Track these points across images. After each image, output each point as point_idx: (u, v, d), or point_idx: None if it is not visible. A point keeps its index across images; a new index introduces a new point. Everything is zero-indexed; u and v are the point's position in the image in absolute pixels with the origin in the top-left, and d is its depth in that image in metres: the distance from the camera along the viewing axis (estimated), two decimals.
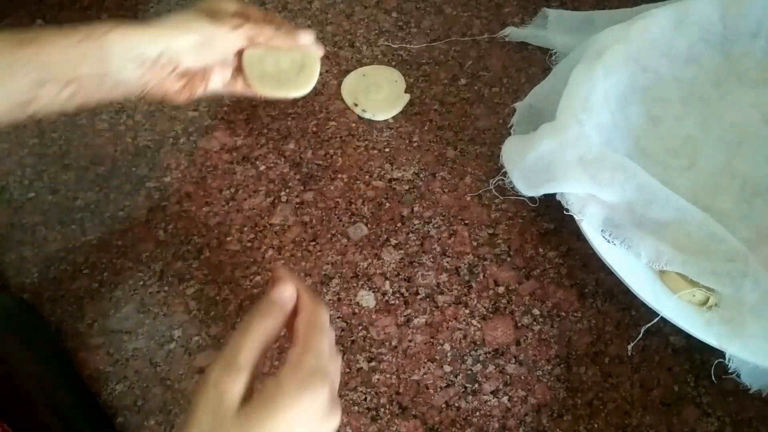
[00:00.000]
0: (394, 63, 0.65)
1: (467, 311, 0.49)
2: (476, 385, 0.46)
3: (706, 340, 0.43)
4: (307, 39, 0.47)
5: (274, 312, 0.33)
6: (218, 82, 0.47)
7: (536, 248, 0.52)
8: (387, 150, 0.59)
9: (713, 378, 0.44)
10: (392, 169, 0.57)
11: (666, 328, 0.45)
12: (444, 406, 0.45)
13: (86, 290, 0.51)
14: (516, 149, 0.52)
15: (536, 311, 0.49)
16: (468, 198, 0.55)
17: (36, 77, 0.36)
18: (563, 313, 0.49)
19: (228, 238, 0.54)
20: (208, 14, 0.43)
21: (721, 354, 0.43)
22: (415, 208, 0.55)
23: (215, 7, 0.44)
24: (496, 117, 0.61)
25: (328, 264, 0.52)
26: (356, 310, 0.49)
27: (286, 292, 0.34)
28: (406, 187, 0.56)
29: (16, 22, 0.71)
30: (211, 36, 0.43)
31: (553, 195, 0.50)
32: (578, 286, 0.50)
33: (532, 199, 0.52)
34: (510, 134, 0.58)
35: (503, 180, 0.54)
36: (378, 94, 0.62)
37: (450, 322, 0.49)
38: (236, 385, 0.29)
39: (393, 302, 0.50)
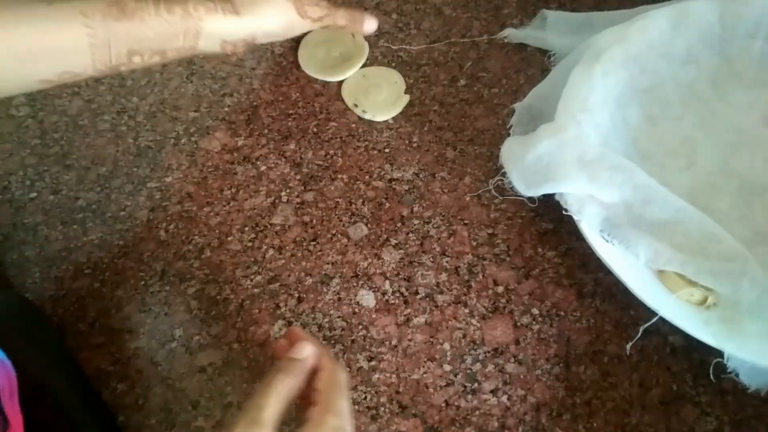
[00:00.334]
0: (394, 64, 0.65)
1: (467, 311, 0.49)
2: (476, 384, 0.46)
3: (704, 340, 0.43)
4: (371, 27, 0.49)
5: (296, 370, 0.34)
6: None
7: (535, 248, 0.52)
8: (387, 150, 0.59)
9: (712, 377, 0.45)
10: (392, 170, 0.58)
11: (664, 327, 0.45)
12: (444, 405, 0.45)
13: (88, 290, 0.51)
14: (515, 149, 0.52)
15: (535, 311, 0.49)
16: (467, 198, 0.55)
17: (130, 48, 0.39)
18: (562, 313, 0.49)
19: (229, 238, 0.54)
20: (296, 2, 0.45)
21: (719, 353, 0.43)
22: (415, 208, 0.55)
23: None
24: (496, 118, 0.61)
25: (328, 264, 0.52)
26: (356, 310, 0.50)
27: (307, 350, 0.35)
28: (406, 188, 0.56)
29: None
30: (292, 25, 0.45)
31: (552, 195, 0.50)
32: (577, 286, 0.50)
33: (531, 199, 0.53)
34: (509, 135, 0.58)
35: (502, 180, 0.54)
36: (378, 95, 0.62)
37: (449, 322, 0.49)
38: None
39: (393, 302, 0.50)
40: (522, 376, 0.46)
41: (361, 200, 0.56)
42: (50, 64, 0.38)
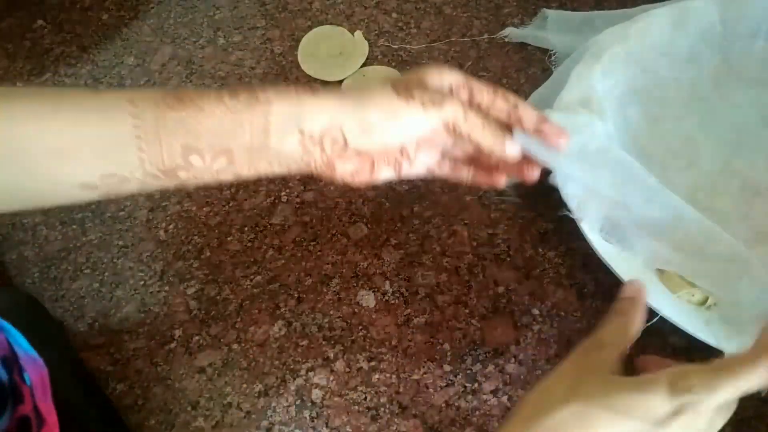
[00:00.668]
0: (394, 63, 0.65)
1: (467, 311, 0.49)
2: (476, 385, 0.46)
3: (705, 340, 0.43)
4: (514, 150, 0.38)
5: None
6: (420, 165, 0.39)
7: (535, 248, 0.52)
8: None
9: None
10: None
11: (665, 327, 0.45)
12: (444, 405, 0.45)
13: (87, 290, 0.51)
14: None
15: (536, 311, 0.49)
16: (468, 198, 0.55)
17: (185, 144, 0.32)
18: (563, 313, 0.49)
19: (228, 238, 0.54)
20: (401, 87, 0.35)
21: (720, 353, 0.43)
22: (415, 208, 0.55)
23: (421, 78, 0.36)
24: None
25: (328, 264, 0.52)
26: (356, 310, 0.50)
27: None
28: (406, 187, 0.56)
29: (17, 23, 0.71)
30: (393, 114, 0.34)
31: (552, 195, 0.50)
32: (577, 286, 0.50)
33: (531, 199, 0.52)
34: None
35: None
36: None
37: (450, 322, 0.49)
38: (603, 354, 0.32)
39: (393, 302, 0.50)
40: (522, 377, 0.46)
41: (361, 200, 0.56)
42: (91, 165, 0.31)
